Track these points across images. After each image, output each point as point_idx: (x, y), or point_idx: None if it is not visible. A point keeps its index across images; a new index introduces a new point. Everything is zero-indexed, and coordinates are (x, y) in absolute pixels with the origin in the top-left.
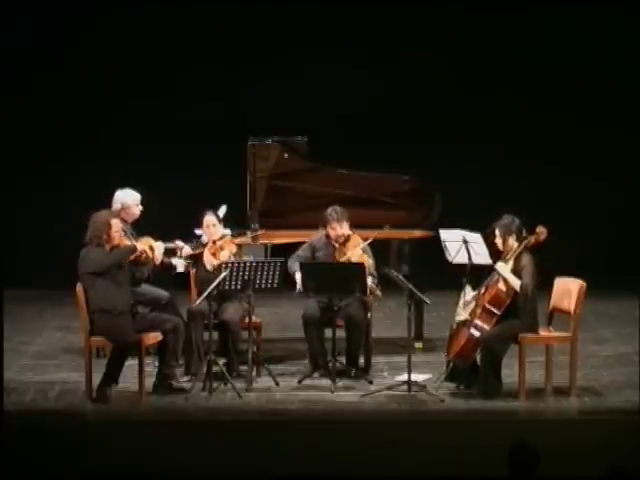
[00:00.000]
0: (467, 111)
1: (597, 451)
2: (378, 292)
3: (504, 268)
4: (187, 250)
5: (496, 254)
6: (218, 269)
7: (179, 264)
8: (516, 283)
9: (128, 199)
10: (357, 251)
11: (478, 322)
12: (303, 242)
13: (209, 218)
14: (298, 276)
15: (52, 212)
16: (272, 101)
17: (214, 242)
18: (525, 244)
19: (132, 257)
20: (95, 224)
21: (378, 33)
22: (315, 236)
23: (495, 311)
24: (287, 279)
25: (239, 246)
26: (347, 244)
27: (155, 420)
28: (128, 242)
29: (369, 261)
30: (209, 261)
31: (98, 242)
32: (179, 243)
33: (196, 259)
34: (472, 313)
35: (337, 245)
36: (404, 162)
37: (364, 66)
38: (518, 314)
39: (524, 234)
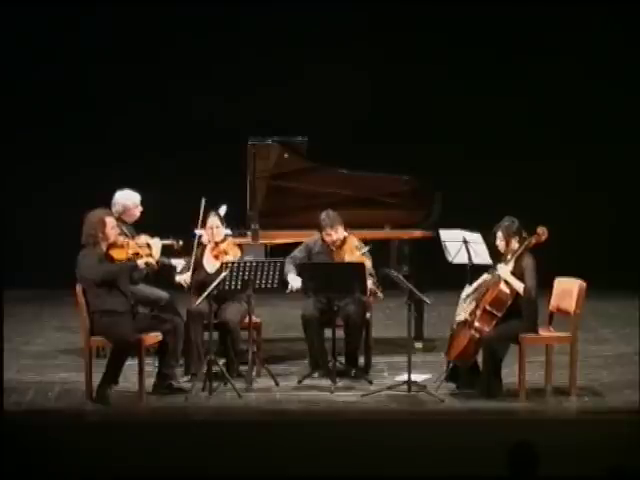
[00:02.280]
0: (467, 111)
1: (597, 451)
2: (380, 294)
3: (506, 270)
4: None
5: (497, 255)
6: (218, 271)
7: (179, 265)
8: (519, 286)
9: (128, 202)
10: (355, 253)
11: (478, 324)
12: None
13: (213, 220)
14: (291, 277)
15: (52, 212)
16: (272, 101)
17: (217, 244)
18: (526, 245)
19: (130, 254)
20: (89, 223)
21: (378, 33)
22: (311, 238)
23: (496, 313)
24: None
25: (240, 247)
26: (344, 247)
27: (155, 420)
28: (124, 240)
29: (367, 262)
30: (211, 263)
31: (94, 241)
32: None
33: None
34: (472, 314)
35: (334, 249)
36: (404, 162)
37: (364, 66)
38: (518, 315)
39: (524, 235)
